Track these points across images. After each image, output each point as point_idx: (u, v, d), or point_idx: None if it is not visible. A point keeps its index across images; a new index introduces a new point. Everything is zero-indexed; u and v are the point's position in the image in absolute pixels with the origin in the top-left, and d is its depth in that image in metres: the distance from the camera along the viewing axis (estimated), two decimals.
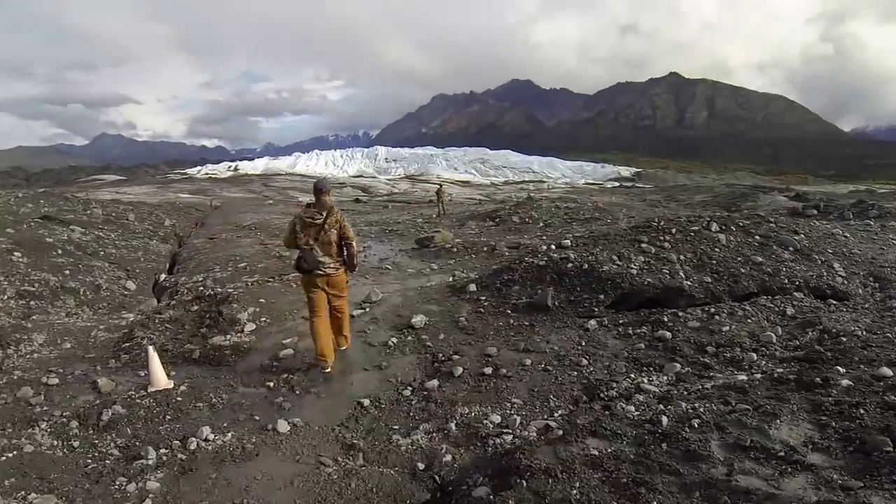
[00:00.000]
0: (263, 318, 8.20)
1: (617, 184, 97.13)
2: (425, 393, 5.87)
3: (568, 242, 9.80)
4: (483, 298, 8.62)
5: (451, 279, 10.57)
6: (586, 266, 8.59)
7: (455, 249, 14.35)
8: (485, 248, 14.05)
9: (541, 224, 19.14)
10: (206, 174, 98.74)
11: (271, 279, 11.14)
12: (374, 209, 35.82)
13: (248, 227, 22.33)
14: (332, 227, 6.26)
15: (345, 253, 6.45)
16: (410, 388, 6.02)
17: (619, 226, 15.17)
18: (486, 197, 56.89)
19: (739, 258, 8.86)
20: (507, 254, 13.02)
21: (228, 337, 7.52)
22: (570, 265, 8.70)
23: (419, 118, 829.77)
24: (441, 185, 36.33)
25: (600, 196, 43.86)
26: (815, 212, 18.66)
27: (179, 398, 5.73)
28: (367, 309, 8.60)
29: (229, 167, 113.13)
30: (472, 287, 9.06)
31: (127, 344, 7.54)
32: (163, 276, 13.51)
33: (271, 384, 6.18)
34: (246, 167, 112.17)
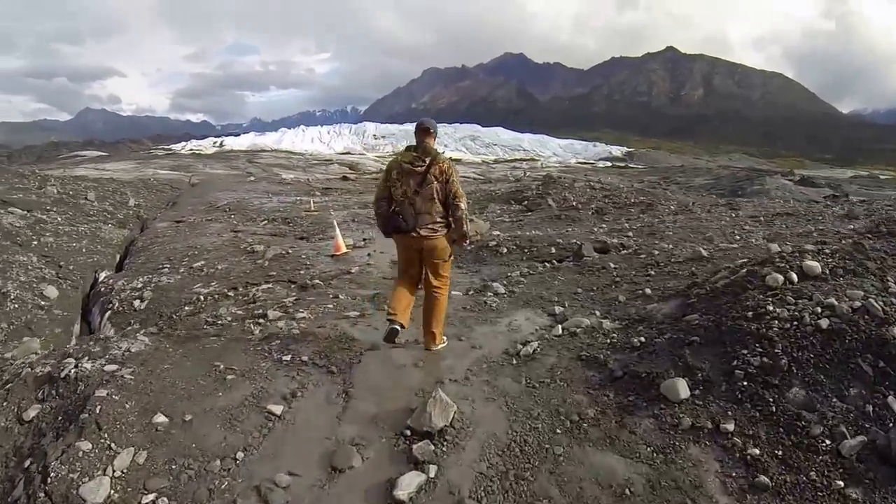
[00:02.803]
0: (153, 498, 3.14)
1: (609, 163, 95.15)
2: None
3: (817, 267, 4.78)
4: (730, 429, 3.48)
5: (560, 329, 5.56)
6: None
7: (505, 250, 9.75)
8: (552, 250, 9.42)
9: (591, 211, 14.69)
10: (191, 150, 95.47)
11: (230, 293, 7.96)
12: (366, 187, 31.20)
13: (223, 208, 19.53)
14: (435, 179, 4.86)
15: (451, 216, 4.95)
16: None
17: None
18: (480, 175, 54.34)
19: None
20: (612, 266, 8.01)
21: None
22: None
23: (409, 93, 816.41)
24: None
25: (596, 176, 41.75)
26: None
27: None
28: (432, 472, 3.30)
29: (214, 143, 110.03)
30: (681, 388, 3.85)
31: None
32: (103, 275, 10.62)
33: None
34: (231, 143, 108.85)
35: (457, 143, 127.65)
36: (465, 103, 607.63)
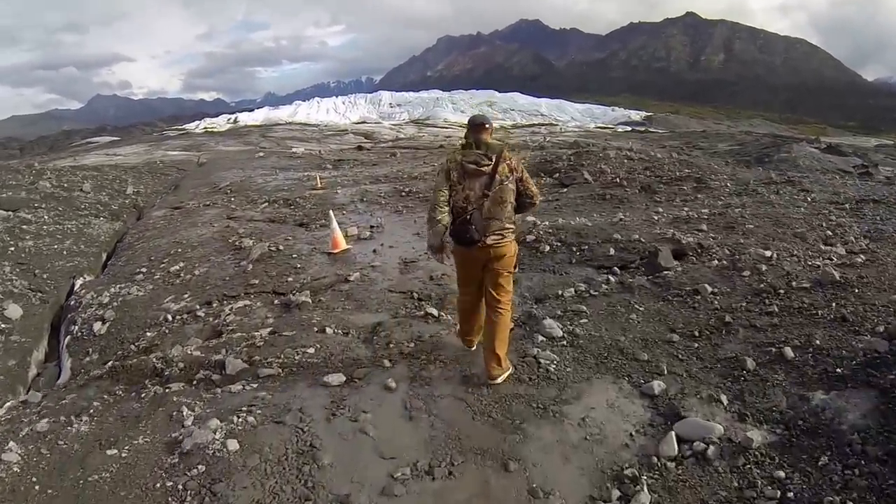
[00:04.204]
0: None
1: (629, 128, 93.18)
2: None
3: None
4: None
5: (675, 444, 3.50)
6: None
7: (548, 248, 7.96)
8: (610, 251, 7.56)
9: (637, 188, 12.73)
10: (205, 128, 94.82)
11: (200, 311, 6.95)
12: (381, 158, 28.91)
13: (224, 189, 18.42)
14: (505, 178, 4.35)
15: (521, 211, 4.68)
16: None
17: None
18: (499, 141, 52.65)
19: None
20: (708, 290, 5.88)
21: None
22: None
23: (424, 61, 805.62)
24: None
25: (617, 141, 40.17)
26: None
27: None
28: None
29: (228, 119, 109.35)
30: None
31: None
32: (79, 283, 9.54)
33: None
34: (245, 119, 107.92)
35: (474, 109, 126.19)
36: (480, 70, 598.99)
